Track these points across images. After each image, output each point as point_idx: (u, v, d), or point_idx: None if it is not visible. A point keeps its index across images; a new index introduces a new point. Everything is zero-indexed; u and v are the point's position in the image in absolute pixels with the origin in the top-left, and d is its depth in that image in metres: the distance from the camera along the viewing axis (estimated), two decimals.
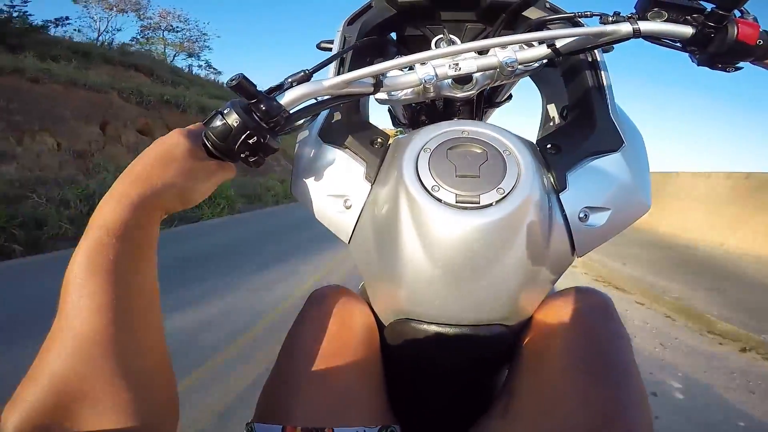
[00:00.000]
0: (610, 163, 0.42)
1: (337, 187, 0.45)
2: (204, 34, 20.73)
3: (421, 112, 0.82)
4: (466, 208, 0.35)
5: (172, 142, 0.37)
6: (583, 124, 0.45)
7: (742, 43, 0.40)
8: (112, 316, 0.30)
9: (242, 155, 0.38)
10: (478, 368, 0.47)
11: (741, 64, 0.44)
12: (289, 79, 0.41)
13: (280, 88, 0.40)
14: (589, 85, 0.47)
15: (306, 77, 0.41)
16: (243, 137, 0.36)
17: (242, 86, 0.36)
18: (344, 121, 0.48)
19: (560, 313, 0.42)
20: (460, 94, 0.49)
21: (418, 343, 0.42)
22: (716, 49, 0.41)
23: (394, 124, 1.00)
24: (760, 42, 0.41)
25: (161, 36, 19.85)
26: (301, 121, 0.42)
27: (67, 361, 0.28)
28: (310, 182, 0.46)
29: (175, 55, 20.21)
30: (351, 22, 0.54)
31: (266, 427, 0.37)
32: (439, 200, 0.36)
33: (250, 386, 1.72)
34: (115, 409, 0.29)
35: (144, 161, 0.35)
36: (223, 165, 0.40)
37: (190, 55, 20.87)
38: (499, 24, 0.55)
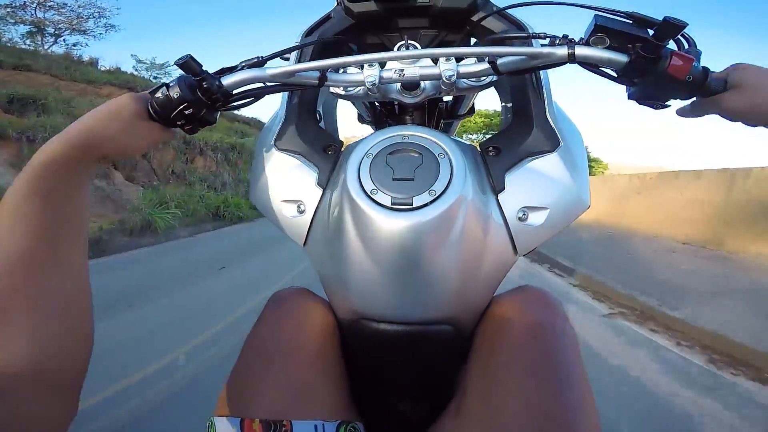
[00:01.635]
0: (547, 163, 0.44)
1: (291, 193, 0.47)
2: (102, 9, 16.50)
3: (383, 113, 0.84)
4: (400, 210, 0.37)
5: (120, 103, 0.41)
6: (522, 126, 0.47)
7: (671, 77, 0.38)
8: (41, 238, 0.33)
9: (179, 123, 0.43)
10: (434, 368, 0.48)
11: (674, 102, 0.43)
12: (242, 63, 0.44)
13: (232, 70, 0.44)
14: (528, 89, 0.49)
15: (258, 64, 0.44)
16: (180, 108, 0.41)
17: (187, 65, 0.41)
18: (299, 129, 0.50)
19: (508, 312, 0.43)
20: (407, 100, 0.51)
21: (373, 342, 0.44)
22: (647, 81, 0.40)
23: (359, 120, 1.02)
24: (689, 78, 0.38)
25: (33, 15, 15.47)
26: (243, 101, 0.45)
27: None
28: (266, 188, 0.48)
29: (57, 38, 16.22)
30: (309, 32, 0.56)
31: (226, 420, 0.39)
32: (377, 203, 0.38)
33: None
34: (28, 330, 0.31)
35: (92, 114, 0.40)
36: (162, 129, 0.44)
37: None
38: (462, 34, 0.57)
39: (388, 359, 0.47)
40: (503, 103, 0.62)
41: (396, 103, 0.62)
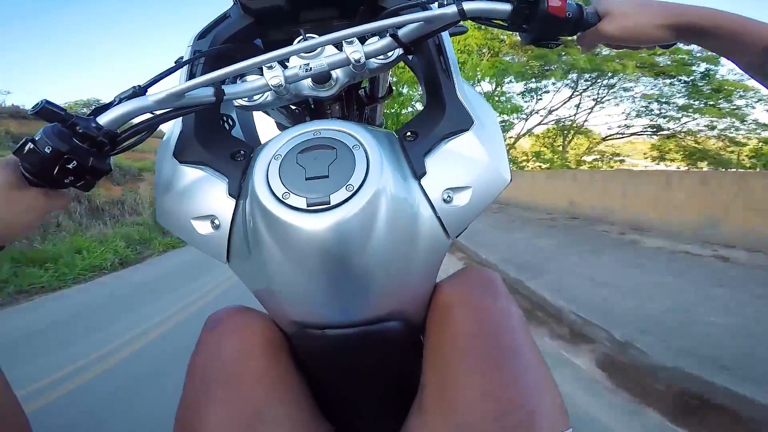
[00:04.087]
0: (463, 142, 0.43)
1: (201, 208, 0.43)
2: None
3: (302, 113, 0.80)
4: (317, 211, 0.35)
5: None
6: (435, 107, 0.46)
7: (554, 17, 0.43)
8: None
9: (66, 181, 0.37)
10: (391, 366, 0.47)
11: (566, 40, 0.47)
12: (118, 97, 0.39)
13: (108, 107, 0.38)
14: (438, 69, 0.48)
15: (136, 93, 0.39)
16: (60, 163, 0.35)
17: (46, 112, 0.35)
18: (200, 138, 0.45)
19: (451, 299, 0.42)
20: (322, 94, 0.48)
21: (322, 350, 0.42)
22: (534, 24, 0.44)
23: (279, 129, 0.96)
24: (569, 14, 0.43)
25: None
26: (134, 139, 0.40)
27: None
28: (173, 207, 0.44)
29: None
30: (203, 35, 0.51)
31: None
32: (291, 207, 0.35)
33: None
34: None
35: None
36: (50, 193, 0.38)
37: None
38: (362, 18, 0.55)
39: (341, 365, 0.45)
40: (420, 85, 0.61)
41: (311, 100, 0.59)
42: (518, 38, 0.55)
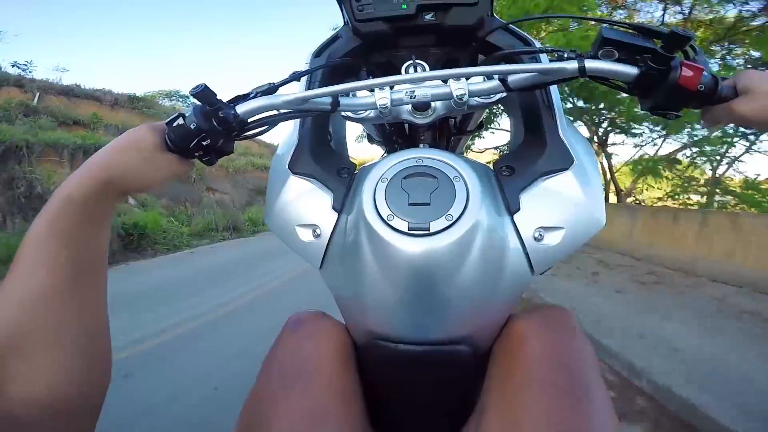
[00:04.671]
0: (561, 181, 0.43)
1: (306, 217, 0.47)
2: None
3: (392, 133, 0.85)
4: (417, 236, 0.37)
5: (138, 135, 0.41)
6: (535, 144, 0.47)
7: (683, 88, 0.39)
8: (62, 276, 0.34)
9: (196, 154, 0.43)
10: (451, 387, 0.48)
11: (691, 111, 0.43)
12: (255, 91, 0.45)
13: (245, 98, 0.44)
14: (539, 106, 0.49)
15: (270, 90, 0.45)
16: (197, 139, 0.41)
17: (203, 94, 0.41)
18: (312, 152, 0.50)
19: (526, 331, 0.43)
20: (419, 121, 0.51)
21: (389, 363, 0.44)
22: (658, 92, 0.40)
23: (369, 141, 1.03)
24: (701, 87, 0.39)
25: None
26: (259, 129, 0.45)
27: (11, 312, 0.31)
28: (281, 213, 0.49)
29: None
30: (318, 53, 0.57)
31: None
32: (394, 228, 0.38)
33: None
34: (48, 365, 0.31)
35: (111, 147, 0.40)
36: (180, 160, 0.44)
37: None
38: (470, 50, 0.58)
39: (404, 380, 0.47)
40: (512, 120, 0.62)
41: (406, 123, 0.62)
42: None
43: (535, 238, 0.41)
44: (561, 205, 0.43)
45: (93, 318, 0.36)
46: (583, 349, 0.41)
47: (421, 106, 0.50)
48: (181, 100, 21.01)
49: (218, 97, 0.42)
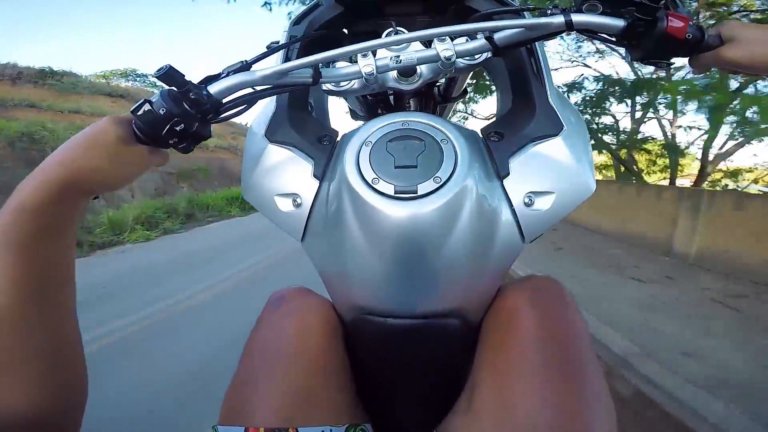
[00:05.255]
0: (551, 147, 0.43)
1: (285, 186, 0.45)
2: None
3: (376, 104, 0.82)
4: (404, 199, 0.36)
5: (100, 128, 0.38)
6: (524, 110, 0.46)
7: (672, 37, 0.40)
8: (22, 291, 0.31)
9: (171, 141, 0.40)
10: (442, 362, 0.47)
11: (677, 61, 0.44)
12: (227, 70, 0.42)
13: (217, 78, 0.41)
14: (529, 72, 0.48)
15: (244, 68, 0.42)
16: (169, 125, 0.38)
17: (169, 76, 0.38)
18: (291, 120, 0.48)
19: (517, 303, 0.42)
20: (405, 87, 0.49)
21: (378, 338, 0.43)
22: (647, 43, 0.41)
23: (352, 117, 1.00)
24: (689, 36, 0.40)
25: None
26: (236, 110, 0.42)
27: None
28: (259, 183, 0.46)
29: None
30: (297, 21, 0.54)
31: (229, 429, 0.37)
32: (379, 192, 0.36)
33: None
34: (21, 387, 0.30)
35: (70, 145, 0.36)
36: (153, 151, 0.41)
37: None
38: (448, 17, 0.56)
39: (393, 356, 0.46)
40: (498, 86, 0.61)
41: (391, 92, 0.61)
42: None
43: (525, 204, 0.41)
44: (551, 171, 0.42)
45: (62, 332, 0.34)
46: (576, 322, 0.41)
47: (407, 71, 0.48)
48: (139, 79, 19.76)
49: (186, 78, 0.39)
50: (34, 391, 0.30)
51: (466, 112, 9.86)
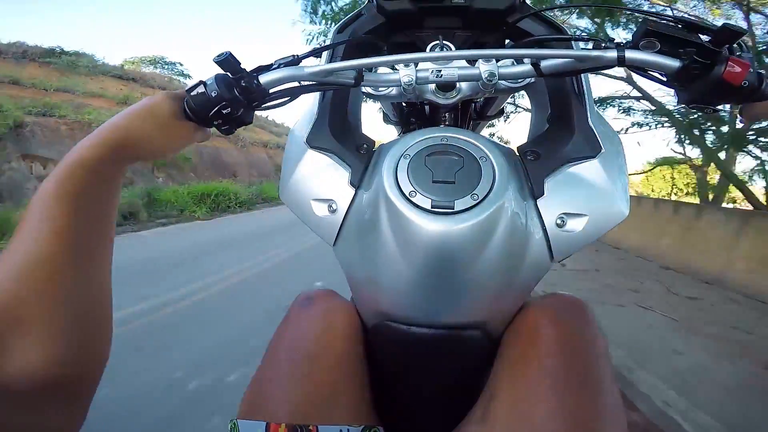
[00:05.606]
0: (587, 169, 0.43)
1: (322, 192, 0.46)
2: None
3: (410, 114, 0.83)
4: (440, 213, 0.36)
5: (155, 102, 0.40)
6: (562, 130, 0.46)
7: (727, 83, 0.37)
8: (66, 242, 0.32)
9: (215, 122, 0.42)
10: (460, 372, 0.48)
11: (726, 107, 0.42)
12: (278, 62, 0.44)
13: (268, 68, 0.43)
14: (570, 93, 0.48)
15: (293, 62, 0.44)
16: (218, 107, 0.40)
17: (227, 62, 0.40)
18: (331, 128, 0.49)
19: (538, 318, 0.43)
20: (442, 101, 0.50)
21: (399, 345, 0.44)
22: (700, 86, 0.39)
23: (384, 121, 1.01)
24: (745, 83, 0.37)
25: None
26: (280, 100, 0.45)
27: (9, 282, 0.29)
28: (296, 187, 0.48)
29: None
30: (341, 30, 0.56)
31: (250, 423, 0.38)
32: (416, 205, 0.37)
33: None
34: (46, 338, 0.29)
35: (127, 113, 0.39)
36: (198, 128, 0.44)
37: None
38: (498, 35, 0.56)
39: (413, 363, 0.46)
40: (535, 105, 0.61)
41: (426, 104, 0.61)
42: None
43: (558, 225, 0.41)
44: (585, 193, 0.42)
45: (96, 288, 0.34)
46: (597, 340, 0.41)
47: (447, 86, 0.49)
48: (167, 67, 20.19)
49: (242, 66, 0.41)
50: (56, 342, 0.30)
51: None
